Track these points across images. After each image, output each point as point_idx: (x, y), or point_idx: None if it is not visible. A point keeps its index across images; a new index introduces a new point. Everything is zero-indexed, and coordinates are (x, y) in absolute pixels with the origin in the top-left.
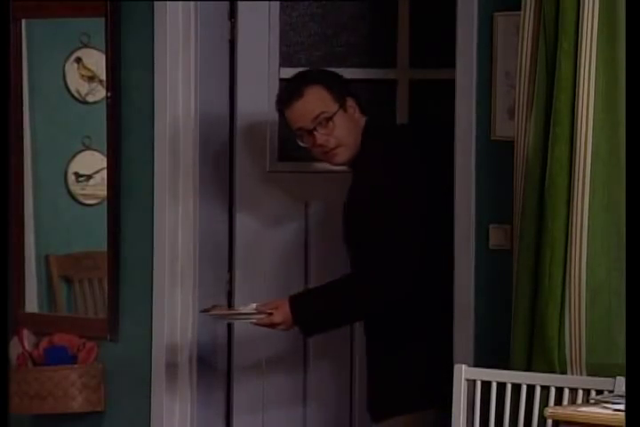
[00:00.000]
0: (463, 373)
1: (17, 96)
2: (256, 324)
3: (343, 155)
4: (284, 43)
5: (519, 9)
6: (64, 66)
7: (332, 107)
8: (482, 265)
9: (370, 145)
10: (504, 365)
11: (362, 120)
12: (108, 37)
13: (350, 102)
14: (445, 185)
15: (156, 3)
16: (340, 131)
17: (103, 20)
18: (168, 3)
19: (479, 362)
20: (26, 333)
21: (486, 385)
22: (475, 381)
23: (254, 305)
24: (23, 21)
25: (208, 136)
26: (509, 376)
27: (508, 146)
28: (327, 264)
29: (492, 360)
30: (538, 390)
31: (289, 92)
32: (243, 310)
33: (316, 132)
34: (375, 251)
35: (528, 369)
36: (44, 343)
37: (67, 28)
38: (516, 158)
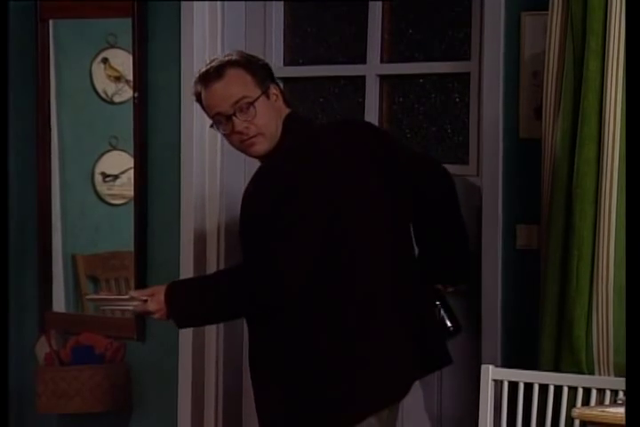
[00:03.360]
0: (490, 373)
1: (44, 96)
2: (133, 311)
3: (262, 145)
4: (286, 41)
5: (547, 9)
6: (91, 66)
7: (255, 92)
8: (509, 265)
9: (286, 138)
10: (532, 365)
11: (284, 111)
12: (135, 38)
13: (274, 90)
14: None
15: (182, 3)
16: (261, 119)
17: (130, 20)
18: (194, 3)
19: (506, 362)
20: (53, 332)
21: (513, 386)
22: (502, 381)
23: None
24: (50, 22)
25: None
26: (536, 377)
27: (536, 145)
28: None
29: (519, 360)
30: (565, 391)
31: (208, 74)
32: (121, 296)
33: (235, 118)
34: (259, 250)
35: (556, 369)
36: (71, 343)
37: (94, 28)
38: (543, 158)
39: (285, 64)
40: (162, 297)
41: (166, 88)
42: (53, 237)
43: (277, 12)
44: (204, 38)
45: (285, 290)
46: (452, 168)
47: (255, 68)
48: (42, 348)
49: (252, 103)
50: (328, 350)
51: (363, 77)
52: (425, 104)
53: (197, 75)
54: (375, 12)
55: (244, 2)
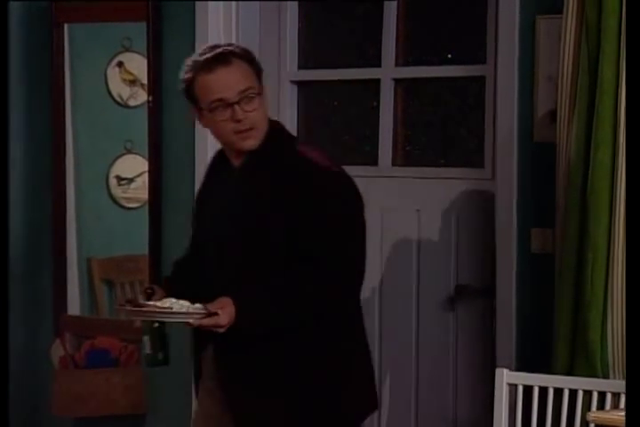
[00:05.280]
0: (505, 377)
1: (59, 100)
2: (195, 325)
3: (255, 140)
4: (300, 44)
5: (561, 12)
6: (106, 70)
7: (257, 86)
8: (523, 269)
9: (271, 141)
10: (546, 369)
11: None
12: (150, 41)
13: (265, 91)
14: None
15: (197, 7)
16: (260, 113)
17: (145, 24)
18: (209, 7)
19: (521, 366)
20: (68, 336)
21: (528, 389)
22: (516, 385)
23: (186, 303)
24: (66, 26)
25: None
26: (551, 381)
27: (550, 149)
28: None
29: (534, 364)
30: (580, 395)
31: (214, 59)
32: (177, 308)
33: (237, 106)
34: (338, 250)
35: (570, 373)
36: (85, 346)
37: (109, 32)
38: (558, 162)
39: (300, 67)
40: (233, 309)
41: (181, 93)
42: (68, 241)
43: (292, 15)
44: (218, 42)
45: (359, 290)
46: (466, 172)
47: (256, 64)
48: (57, 351)
49: (258, 94)
50: (340, 357)
51: (377, 81)
52: (440, 108)
53: (192, 62)
54: (390, 16)
55: (258, 5)
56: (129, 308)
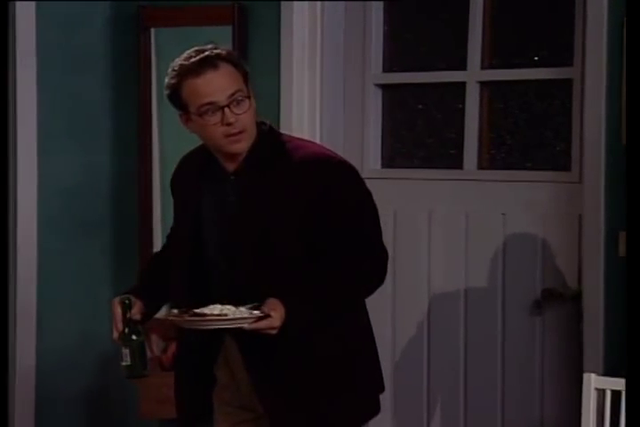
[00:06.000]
0: (592, 382)
1: (146, 104)
2: (249, 329)
3: (246, 142)
4: (385, 47)
5: None
6: None
7: (245, 89)
8: (611, 273)
9: (263, 141)
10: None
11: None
12: (235, 46)
13: (252, 93)
14: None
15: (282, 12)
16: (250, 116)
17: (230, 27)
18: (294, 11)
19: (609, 371)
20: (154, 338)
21: (616, 394)
22: (604, 390)
23: (232, 308)
24: (152, 30)
25: (335, 141)
26: None
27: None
28: None
29: (622, 369)
30: None
31: (201, 63)
32: (232, 314)
33: (227, 110)
34: (366, 238)
35: None
36: (172, 348)
37: (195, 36)
38: None
39: (385, 70)
40: (284, 311)
41: (265, 96)
42: (154, 242)
43: (377, 19)
44: (303, 46)
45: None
46: (553, 175)
47: (241, 67)
48: None
49: (247, 97)
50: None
51: (463, 84)
52: (526, 110)
53: (178, 66)
54: (476, 18)
55: (343, 6)
56: (188, 318)
